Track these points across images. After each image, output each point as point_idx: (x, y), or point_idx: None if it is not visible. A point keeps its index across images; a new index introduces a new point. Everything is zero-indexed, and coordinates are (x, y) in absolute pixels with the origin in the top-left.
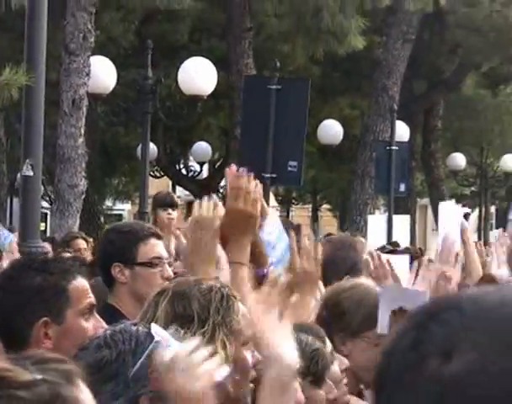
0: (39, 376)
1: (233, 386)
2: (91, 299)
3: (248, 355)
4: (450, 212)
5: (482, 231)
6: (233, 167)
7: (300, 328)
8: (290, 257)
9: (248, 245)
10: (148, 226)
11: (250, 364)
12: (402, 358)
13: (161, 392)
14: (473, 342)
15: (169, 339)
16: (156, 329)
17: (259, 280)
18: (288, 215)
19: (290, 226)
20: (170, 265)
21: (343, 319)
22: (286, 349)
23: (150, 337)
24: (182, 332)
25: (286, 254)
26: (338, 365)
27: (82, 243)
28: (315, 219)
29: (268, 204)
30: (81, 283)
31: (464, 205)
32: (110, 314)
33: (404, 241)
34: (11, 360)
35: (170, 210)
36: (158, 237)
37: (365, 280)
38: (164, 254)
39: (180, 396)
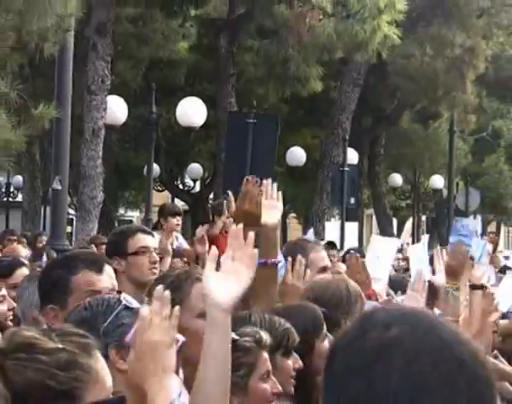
0: (60, 345)
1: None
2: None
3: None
4: (418, 251)
5: (416, 235)
6: (250, 179)
7: (285, 312)
8: (285, 273)
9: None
10: (136, 225)
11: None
12: (350, 334)
13: (124, 342)
14: (407, 320)
15: (133, 303)
16: (124, 296)
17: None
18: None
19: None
20: (162, 258)
21: None
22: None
23: (119, 302)
24: (146, 299)
25: (280, 272)
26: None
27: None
28: (283, 225)
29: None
30: (86, 276)
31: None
32: None
33: (353, 243)
34: (41, 331)
35: (178, 217)
36: (145, 232)
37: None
38: (150, 244)
39: (149, 346)
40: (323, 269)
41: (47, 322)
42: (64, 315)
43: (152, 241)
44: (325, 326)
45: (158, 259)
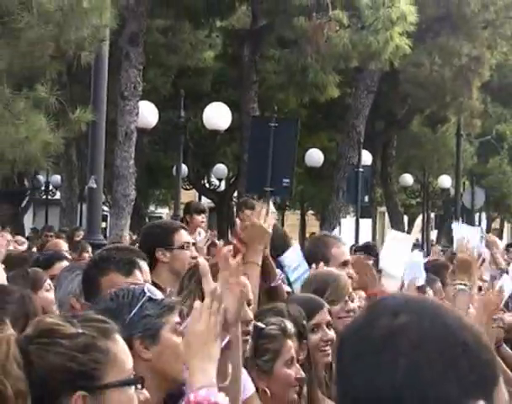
0: (80, 330)
1: None
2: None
3: None
4: (415, 259)
5: (425, 231)
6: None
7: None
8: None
9: (261, 251)
10: (175, 221)
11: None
12: (359, 322)
13: (148, 332)
14: (413, 308)
15: (157, 294)
16: (148, 287)
17: (270, 290)
18: (283, 219)
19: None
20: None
21: None
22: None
23: (143, 293)
24: (174, 291)
25: (304, 276)
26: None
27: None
28: (302, 221)
29: (268, 209)
30: (114, 277)
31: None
32: None
33: (367, 238)
34: (64, 317)
35: (203, 215)
36: (185, 229)
37: None
38: (190, 240)
39: (197, 335)
40: (344, 264)
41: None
42: (87, 307)
43: (188, 236)
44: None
45: (197, 255)
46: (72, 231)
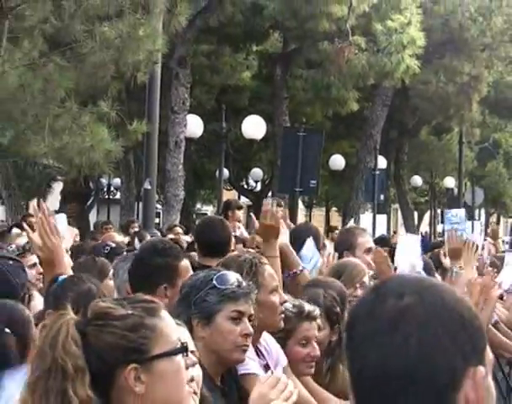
0: (130, 311)
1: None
2: (191, 271)
3: (276, 298)
4: (410, 244)
5: (432, 224)
6: (267, 201)
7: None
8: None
9: (276, 244)
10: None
11: (277, 303)
12: (367, 302)
13: (204, 315)
14: (415, 289)
15: (224, 284)
16: (218, 276)
17: (291, 278)
18: (310, 215)
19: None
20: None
21: None
22: None
23: (211, 281)
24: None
25: (317, 265)
26: None
27: (179, 229)
28: (327, 217)
29: (297, 207)
30: (186, 262)
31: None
32: None
33: (382, 230)
34: (116, 300)
35: (242, 211)
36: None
37: None
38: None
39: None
40: (369, 250)
41: (160, 299)
42: (172, 293)
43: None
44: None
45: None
46: (128, 223)
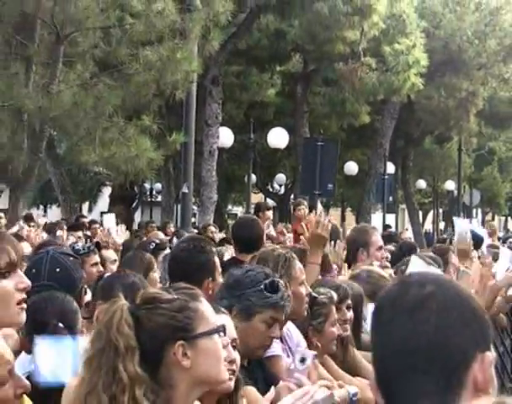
0: (175, 296)
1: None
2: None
3: (304, 290)
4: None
5: (435, 222)
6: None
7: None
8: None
9: (321, 253)
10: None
11: (304, 294)
12: (394, 290)
13: (243, 311)
14: (435, 281)
15: (272, 290)
16: (269, 282)
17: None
18: (327, 215)
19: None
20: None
21: None
22: None
23: (260, 283)
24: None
25: None
26: None
27: (213, 228)
28: (342, 216)
29: (316, 208)
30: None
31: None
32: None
33: (391, 228)
34: (162, 288)
35: (271, 211)
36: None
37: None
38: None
39: None
40: (380, 248)
41: (204, 292)
42: (214, 285)
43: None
44: None
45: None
46: (165, 224)
